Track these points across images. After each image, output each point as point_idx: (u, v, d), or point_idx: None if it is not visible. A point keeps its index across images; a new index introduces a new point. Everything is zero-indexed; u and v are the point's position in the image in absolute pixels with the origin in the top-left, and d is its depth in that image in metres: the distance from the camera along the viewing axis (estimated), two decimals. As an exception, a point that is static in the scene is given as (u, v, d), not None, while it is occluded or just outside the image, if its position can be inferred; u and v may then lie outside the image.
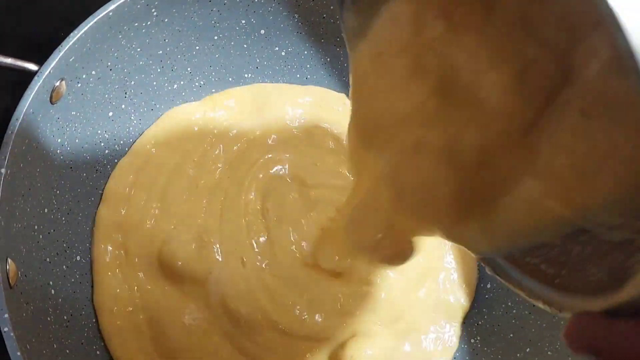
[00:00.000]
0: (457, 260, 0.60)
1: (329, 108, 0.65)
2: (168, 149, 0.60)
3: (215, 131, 0.61)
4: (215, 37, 0.62)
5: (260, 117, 0.63)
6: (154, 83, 0.61)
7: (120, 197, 0.57)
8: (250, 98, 0.64)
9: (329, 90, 0.66)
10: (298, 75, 0.66)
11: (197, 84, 0.63)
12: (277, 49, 0.65)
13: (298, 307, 0.54)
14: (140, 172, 0.58)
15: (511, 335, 0.58)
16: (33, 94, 0.47)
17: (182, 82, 0.63)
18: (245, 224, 0.57)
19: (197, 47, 0.62)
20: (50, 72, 0.48)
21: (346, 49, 0.36)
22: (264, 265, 0.56)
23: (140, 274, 0.55)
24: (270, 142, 0.61)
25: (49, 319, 0.49)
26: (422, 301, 0.58)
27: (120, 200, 0.57)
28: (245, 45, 0.64)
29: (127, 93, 0.59)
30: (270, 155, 0.60)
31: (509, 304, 0.60)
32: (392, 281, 0.57)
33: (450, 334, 0.58)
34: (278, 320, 0.54)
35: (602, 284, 0.23)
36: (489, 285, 0.60)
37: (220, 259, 0.55)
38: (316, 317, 0.55)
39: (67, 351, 0.49)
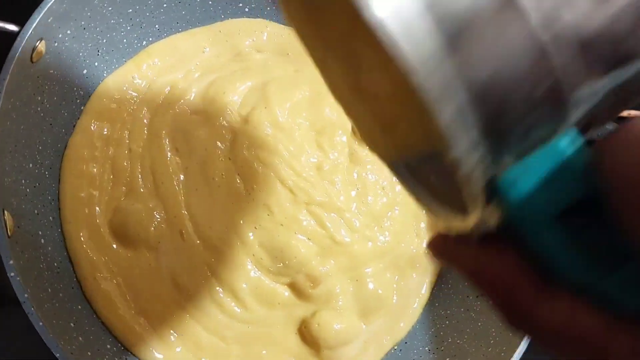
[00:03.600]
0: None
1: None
2: (109, 122, 0.62)
3: (140, 96, 0.64)
4: (182, -6, 0.65)
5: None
6: (124, 40, 0.63)
7: (76, 175, 0.59)
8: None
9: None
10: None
11: (165, 40, 0.66)
12: (240, 5, 0.68)
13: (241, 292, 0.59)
14: (89, 149, 0.61)
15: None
16: (17, 54, 0.49)
17: (150, 39, 0.65)
18: (176, 185, 0.61)
19: (165, 5, 0.64)
20: (31, 32, 0.50)
21: None
22: (198, 241, 0.60)
23: (109, 242, 0.59)
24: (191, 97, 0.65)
25: (41, 265, 0.52)
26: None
27: (76, 178, 0.59)
28: (210, 2, 0.67)
29: (100, 51, 0.61)
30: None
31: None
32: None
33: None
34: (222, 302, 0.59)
35: (458, 205, 0.25)
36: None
37: (164, 227, 0.59)
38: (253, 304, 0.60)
39: (61, 294, 0.53)
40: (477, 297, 0.62)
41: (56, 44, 0.55)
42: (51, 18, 0.52)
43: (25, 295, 0.44)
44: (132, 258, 0.58)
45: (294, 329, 0.61)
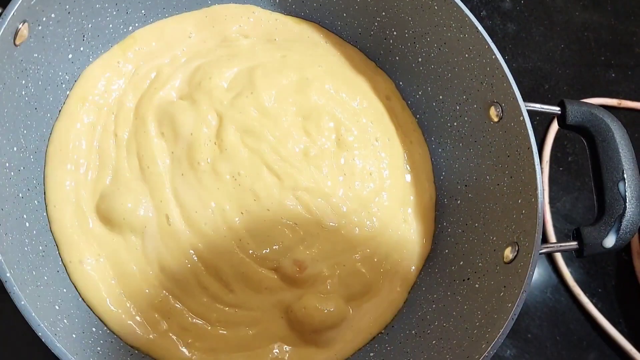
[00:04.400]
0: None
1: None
2: (95, 107, 0.62)
3: (126, 81, 0.64)
4: (168, -20, 0.65)
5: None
6: (110, 26, 0.63)
7: (61, 160, 0.59)
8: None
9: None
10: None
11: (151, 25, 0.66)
12: (227, -10, 0.68)
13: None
14: (74, 134, 0.60)
15: (446, 251, 0.66)
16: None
17: (136, 24, 0.65)
18: (162, 169, 0.61)
19: (151, -11, 0.64)
20: (13, 14, 0.50)
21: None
22: (184, 226, 0.59)
23: (94, 226, 0.58)
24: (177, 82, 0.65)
25: (25, 249, 0.52)
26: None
27: (61, 162, 0.59)
28: (197, -12, 0.67)
29: (85, 36, 0.61)
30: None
31: (444, 223, 0.67)
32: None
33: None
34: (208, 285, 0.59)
35: None
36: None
37: (150, 212, 0.59)
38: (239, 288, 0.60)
39: (45, 278, 0.53)
40: (463, 280, 0.62)
41: (40, 28, 0.55)
42: (34, 1, 0.52)
43: (8, 275, 0.44)
44: (118, 242, 0.58)
45: (281, 313, 0.61)
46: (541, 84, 0.91)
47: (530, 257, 0.55)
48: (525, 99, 0.59)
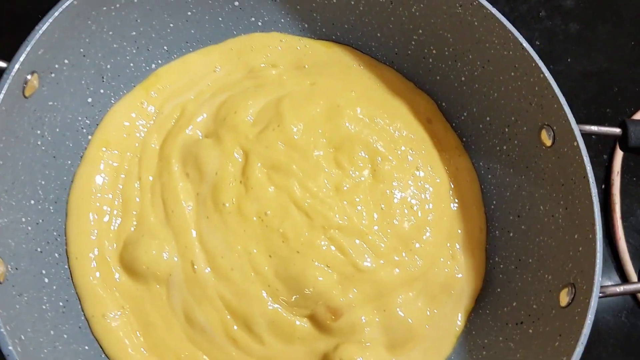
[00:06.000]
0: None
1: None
2: (118, 151, 0.60)
3: (150, 122, 0.62)
4: (189, 13, 0.62)
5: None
6: (131, 64, 0.61)
7: (84, 209, 0.57)
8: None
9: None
10: (276, 44, 0.66)
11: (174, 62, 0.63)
12: (252, 19, 0.65)
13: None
14: (96, 181, 0.59)
15: (498, 290, 0.60)
16: (4, 91, 0.47)
17: (159, 61, 0.63)
18: (187, 213, 0.58)
19: (172, 25, 0.62)
20: (19, 67, 0.48)
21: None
22: (209, 273, 0.57)
23: (118, 276, 0.56)
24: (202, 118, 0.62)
25: (44, 307, 0.50)
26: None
27: (84, 211, 0.57)
28: (220, 19, 0.63)
29: (105, 77, 0.59)
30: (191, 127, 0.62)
31: (496, 259, 0.61)
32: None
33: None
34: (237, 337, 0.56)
35: None
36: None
37: (175, 259, 0.56)
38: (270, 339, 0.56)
39: (65, 336, 0.51)
40: (516, 324, 0.56)
41: (53, 75, 0.53)
42: (42, 50, 0.50)
43: (10, 348, 0.42)
44: (142, 292, 0.56)
45: (316, 365, 0.57)
46: (609, 87, 0.82)
47: (589, 302, 0.48)
48: (592, 104, 0.52)
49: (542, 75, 0.54)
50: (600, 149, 0.78)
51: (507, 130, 0.60)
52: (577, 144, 0.51)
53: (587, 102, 0.79)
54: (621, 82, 0.83)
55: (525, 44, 0.55)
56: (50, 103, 0.54)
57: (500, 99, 0.60)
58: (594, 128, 0.54)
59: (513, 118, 0.59)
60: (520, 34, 0.55)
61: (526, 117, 0.57)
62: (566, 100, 0.52)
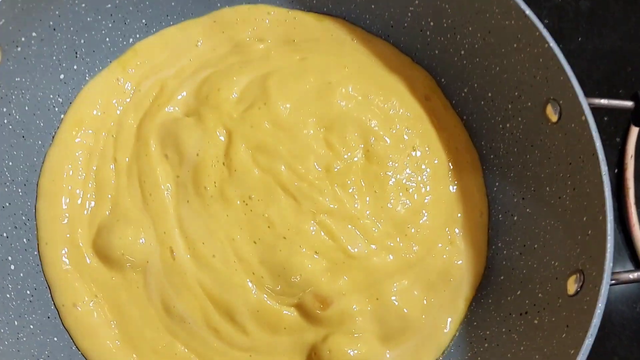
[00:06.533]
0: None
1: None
2: (93, 131, 0.57)
3: (127, 100, 0.58)
4: (169, -16, 0.58)
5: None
6: (107, 39, 0.57)
7: (55, 191, 0.54)
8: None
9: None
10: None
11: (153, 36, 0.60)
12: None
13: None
14: (70, 162, 0.55)
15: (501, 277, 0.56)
16: (-40, 63, 0.44)
17: (137, 36, 0.59)
18: (166, 196, 0.55)
19: (150, -3, 0.58)
20: (-25, 38, 0.45)
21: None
22: (190, 260, 0.53)
23: (92, 263, 0.53)
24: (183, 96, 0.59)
25: (8, 295, 0.47)
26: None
27: (55, 194, 0.54)
28: (202, -10, 0.60)
29: (78, 53, 0.55)
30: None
31: (499, 244, 0.57)
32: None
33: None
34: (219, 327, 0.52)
35: None
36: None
37: (153, 245, 0.53)
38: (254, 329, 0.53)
39: (31, 326, 0.48)
40: (520, 315, 0.52)
41: (19, 49, 0.50)
42: (3, 20, 0.47)
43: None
44: (117, 281, 0.53)
45: (303, 357, 0.53)
46: (622, 66, 0.77)
47: (599, 290, 0.44)
48: (604, 84, 0.48)
49: (547, 45, 0.49)
50: (613, 130, 0.73)
51: (510, 106, 0.56)
52: (585, 118, 0.47)
53: (599, 82, 0.75)
54: (635, 62, 0.78)
55: (529, 11, 0.50)
56: (18, 79, 0.51)
57: (503, 73, 0.55)
58: (604, 101, 0.49)
59: (516, 93, 0.55)
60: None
61: (530, 92, 0.53)
62: (577, 80, 0.48)
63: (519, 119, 0.55)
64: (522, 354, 0.49)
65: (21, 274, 0.49)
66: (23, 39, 0.50)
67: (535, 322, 0.50)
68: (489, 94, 0.58)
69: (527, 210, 0.55)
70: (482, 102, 0.59)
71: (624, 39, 0.79)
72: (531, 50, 0.51)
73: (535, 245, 0.54)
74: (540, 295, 0.51)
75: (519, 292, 0.53)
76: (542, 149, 0.53)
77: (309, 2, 0.63)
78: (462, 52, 0.59)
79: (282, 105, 0.56)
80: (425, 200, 0.57)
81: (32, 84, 0.52)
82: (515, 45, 0.53)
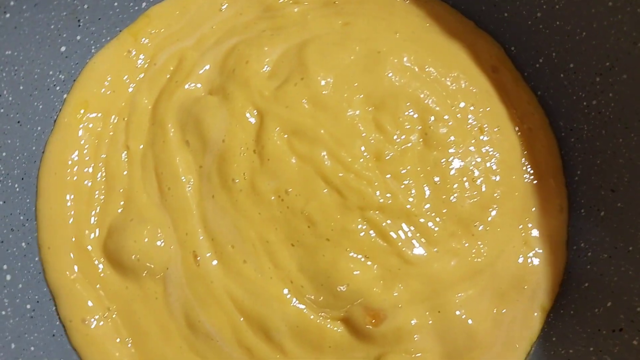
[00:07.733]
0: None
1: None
2: (101, 113, 0.51)
3: (140, 76, 0.52)
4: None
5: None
6: (115, 4, 0.51)
7: (58, 186, 0.48)
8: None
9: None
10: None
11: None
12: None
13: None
14: (74, 150, 0.49)
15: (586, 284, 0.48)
16: None
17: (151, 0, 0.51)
18: (187, 191, 0.48)
19: (165, -47, 0.50)
20: (-47, 3, 0.37)
21: None
22: (216, 266, 0.47)
23: (102, 270, 0.47)
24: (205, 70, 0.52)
25: (4, 312, 0.41)
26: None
27: (58, 190, 0.48)
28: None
29: (81, 20, 0.49)
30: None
31: (582, 245, 0.49)
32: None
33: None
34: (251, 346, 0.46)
35: None
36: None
37: (173, 249, 0.47)
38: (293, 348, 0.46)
39: (32, 348, 0.42)
40: (613, 332, 0.44)
41: (7, 15, 0.42)
42: (-15, -20, 0.39)
43: None
44: (133, 291, 0.47)
45: (352, 382, 0.46)
46: None
47: None
48: None
49: (655, 2, 0.41)
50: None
51: (598, 80, 0.48)
52: None
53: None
54: None
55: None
56: (9, 52, 0.43)
57: (591, 39, 0.48)
58: None
59: (608, 63, 0.47)
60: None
61: (627, 62, 0.45)
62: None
63: (610, 94, 0.47)
64: (617, 380, 0.42)
65: (20, 285, 0.43)
66: (12, 3, 0.42)
67: (634, 343, 0.42)
68: (571, 65, 0.50)
69: (618, 204, 0.48)
70: (562, 75, 0.51)
71: None
72: (632, 10, 0.44)
73: (630, 248, 0.46)
74: (639, 309, 0.43)
75: (609, 304, 0.46)
76: (640, 131, 0.45)
77: (352, -44, 0.54)
78: (539, 14, 0.51)
79: (322, 80, 0.49)
80: (495, 194, 0.50)
81: (27, 59, 0.45)
82: (609, 3, 0.45)
